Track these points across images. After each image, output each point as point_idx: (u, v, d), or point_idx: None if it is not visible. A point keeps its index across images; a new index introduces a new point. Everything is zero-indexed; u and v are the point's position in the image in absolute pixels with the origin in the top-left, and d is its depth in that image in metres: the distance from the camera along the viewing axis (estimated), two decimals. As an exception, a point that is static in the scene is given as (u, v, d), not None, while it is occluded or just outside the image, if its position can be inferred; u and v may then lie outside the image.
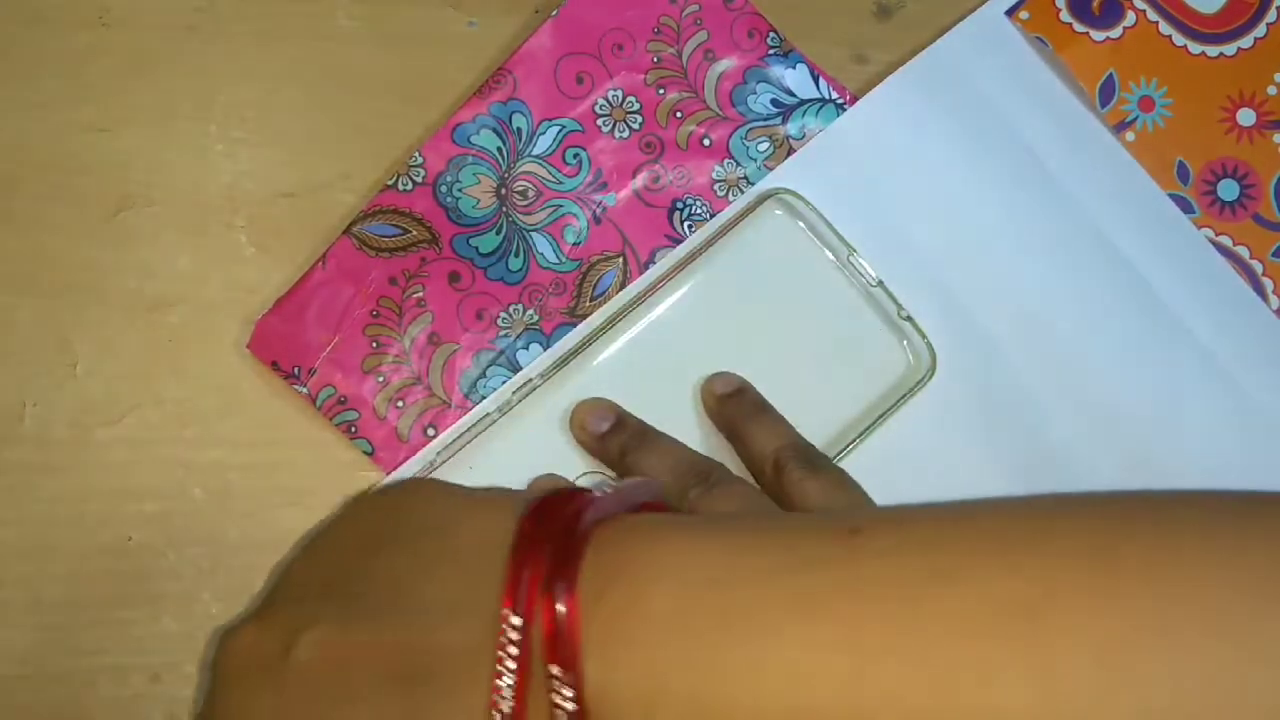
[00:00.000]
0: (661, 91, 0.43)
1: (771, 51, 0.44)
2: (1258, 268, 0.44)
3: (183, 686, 0.39)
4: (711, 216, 0.43)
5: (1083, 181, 0.44)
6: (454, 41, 0.43)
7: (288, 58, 0.42)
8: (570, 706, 0.28)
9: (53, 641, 0.40)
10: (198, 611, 0.40)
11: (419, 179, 0.42)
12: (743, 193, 0.43)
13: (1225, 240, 0.44)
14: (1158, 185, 0.44)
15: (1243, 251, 0.44)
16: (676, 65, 0.43)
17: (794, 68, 0.44)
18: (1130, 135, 0.44)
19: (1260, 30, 0.45)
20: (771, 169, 0.43)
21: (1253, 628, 0.24)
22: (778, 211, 0.42)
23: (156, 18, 0.42)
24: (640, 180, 0.43)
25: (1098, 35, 0.45)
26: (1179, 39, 0.45)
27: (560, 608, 0.28)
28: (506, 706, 0.28)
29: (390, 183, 0.42)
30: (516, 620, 0.28)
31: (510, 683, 0.28)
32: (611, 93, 0.43)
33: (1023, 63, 0.44)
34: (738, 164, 0.43)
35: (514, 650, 0.28)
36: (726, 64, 0.43)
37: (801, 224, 0.42)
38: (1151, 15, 0.45)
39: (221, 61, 0.42)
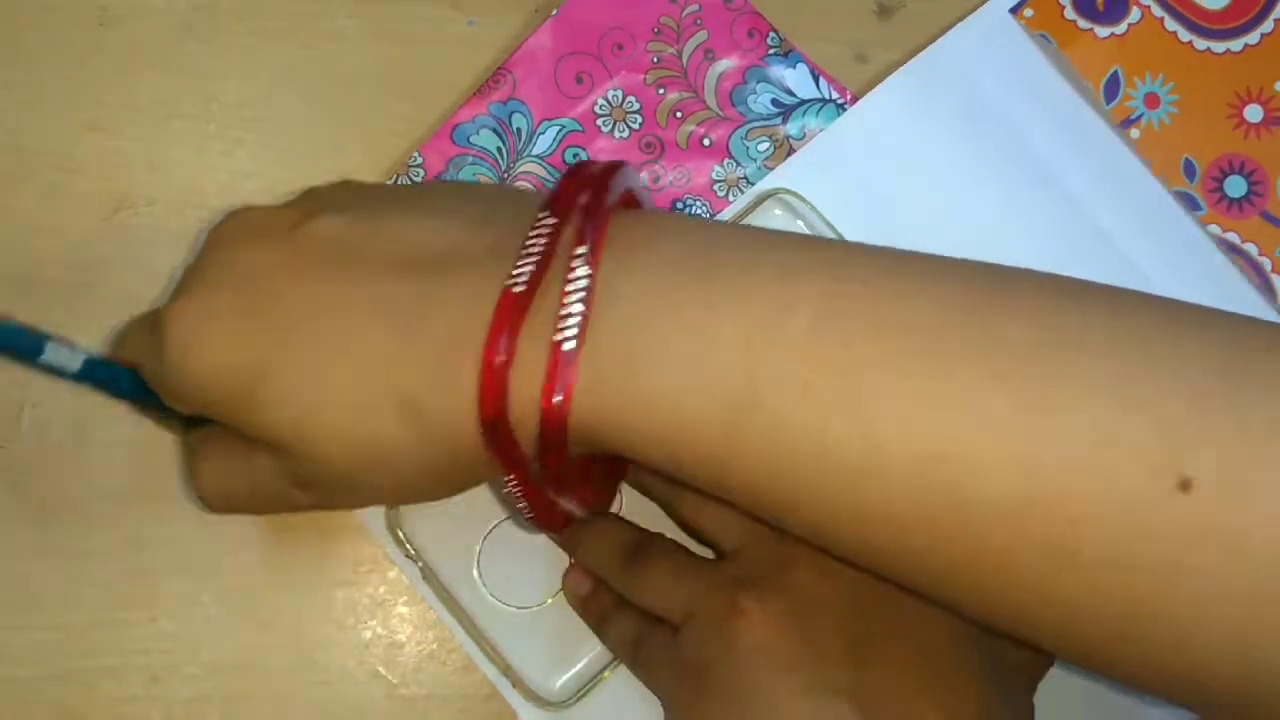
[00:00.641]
0: (661, 91, 0.43)
1: (771, 51, 0.43)
2: (1266, 265, 0.43)
3: (181, 687, 0.39)
4: (712, 216, 0.43)
5: (1085, 181, 0.43)
6: (454, 41, 0.43)
7: (288, 57, 0.42)
8: (585, 280, 0.28)
9: (51, 643, 0.40)
10: (196, 613, 0.40)
11: (419, 179, 0.42)
12: (743, 193, 0.43)
13: (1233, 237, 0.44)
14: (1161, 184, 0.44)
15: (1251, 249, 0.44)
16: (676, 65, 0.43)
17: (794, 67, 0.43)
18: (1135, 132, 0.44)
19: (1267, 26, 0.45)
20: (772, 169, 0.43)
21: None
22: (778, 211, 0.42)
23: (156, 17, 0.42)
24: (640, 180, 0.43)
25: (1102, 31, 0.45)
26: (1185, 35, 0.45)
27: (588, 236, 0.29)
28: (519, 288, 0.28)
29: (390, 182, 0.42)
30: (550, 220, 0.29)
31: (529, 270, 0.28)
32: (611, 93, 0.43)
33: (1025, 61, 0.44)
34: (738, 164, 0.43)
35: (539, 244, 0.29)
36: (726, 64, 0.43)
37: (801, 224, 0.42)
38: (1157, 11, 0.45)
39: (221, 61, 0.42)
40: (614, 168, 0.31)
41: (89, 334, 0.41)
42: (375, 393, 0.30)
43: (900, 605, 0.34)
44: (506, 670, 0.40)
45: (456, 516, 0.40)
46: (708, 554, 0.37)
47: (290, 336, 0.30)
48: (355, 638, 0.40)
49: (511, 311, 0.28)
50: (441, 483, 0.32)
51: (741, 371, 0.28)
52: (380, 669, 0.40)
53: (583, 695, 0.39)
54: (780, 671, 0.33)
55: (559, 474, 0.30)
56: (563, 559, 0.40)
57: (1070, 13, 0.45)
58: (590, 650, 0.40)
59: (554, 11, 0.43)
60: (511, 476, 0.31)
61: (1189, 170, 0.44)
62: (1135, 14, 0.45)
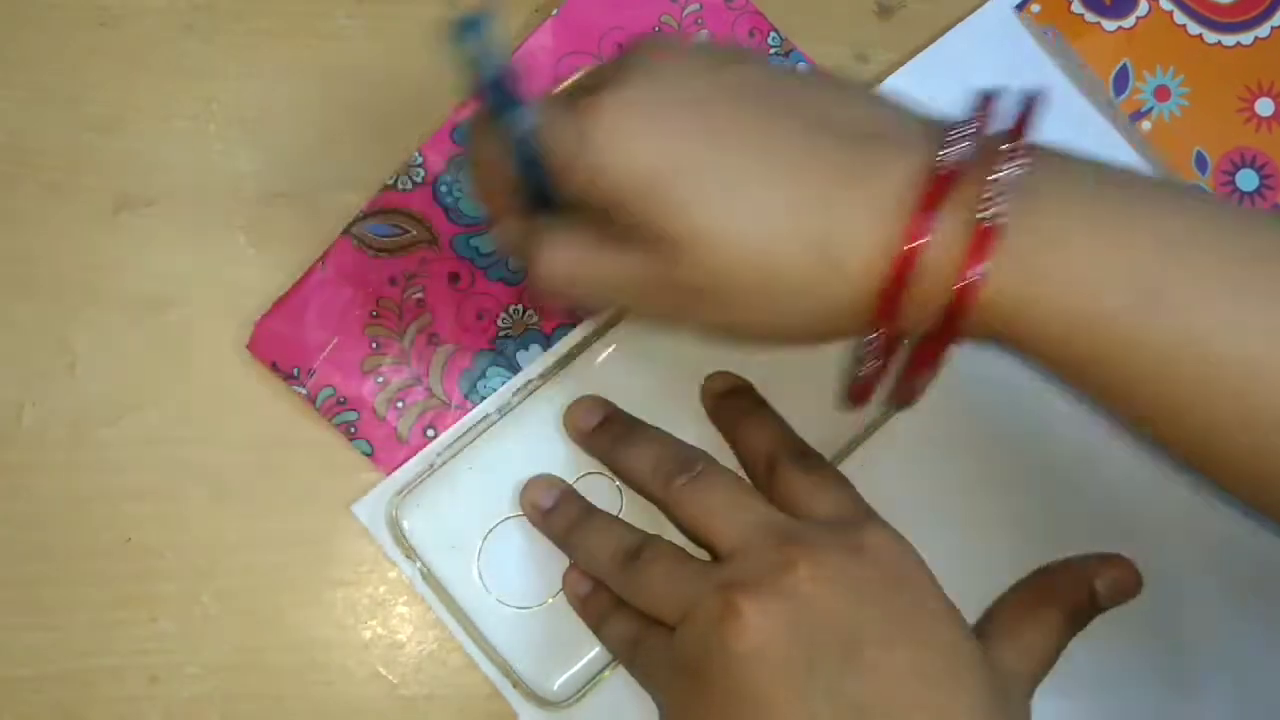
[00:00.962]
0: (662, 88, 0.43)
1: (772, 50, 0.43)
2: (1279, 260, 0.43)
3: (181, 687, 0.39)
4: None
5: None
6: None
7: (288, 57, 0.43)
8: (1013, 170, 0.30)
9: (51, 642, 0.40)
10: (196, 612, 0.40)
11: (419, 179, 0.42)
12: (745, 188, 0.42)
13: (1245, 233, 0.43)
14: (1171, 176, 0.43)
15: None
16: (677, 61, 0.43)
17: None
18: (1146, 125, 0.44)
19: (1277, 19, 0.44)
20: (774, 164, 0.42)
21: None
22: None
23: (156, 17, 0.42)
24: (641, 177, 0.42)
25: (1110, 25, 0.44)
26: (1194, 28, 0.44)
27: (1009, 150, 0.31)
28: (947, 169, 0.30)
29: (390, 182, 0.42)
30: (975, 120, 0.31)
31: (959, 152, 0.30)
32: (612, 89, 0.43)
33: (1026, 57, 0.44)
34: (740, 159, 0.43)
35: (970, 132, 0.31)
36: (728, 59, 0.43)
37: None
38: (1165, 4, 0.44)
39: (221, 61, 0.42)
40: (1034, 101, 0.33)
41: (88, 334, 0.41)
42: (794, 220, 0.31)
43: (897, 611, 0.34)
44: (506, 670, 0.39)
45: (456, 516, 0.40)
46: (705, 556, 0.37)
47: (721, 145, 0.31)
48: (355, 638, 0.40)
49: (942, 187, 0.30)
50: (812, 326, 0.33)
51: (1155, 274, 0.30)
52: (380, 669, 0.40)
53: (582, 695, 0.39)
54: (776, 675, 0.32)
55: (923, 353, 0.32)
56: (563, 559, 0.39)
57: (1077, 6, 0.44)
58: (590, 650, 0.39)
59: (554, 11, 0.43)
60: (878, 337, 0.32)
61: (1200, 163, 0.44)
62: (1143, 7, 0.44)
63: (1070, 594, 0.38)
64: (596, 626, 0.39)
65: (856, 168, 0.31)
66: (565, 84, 0.36)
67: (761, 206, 0.31)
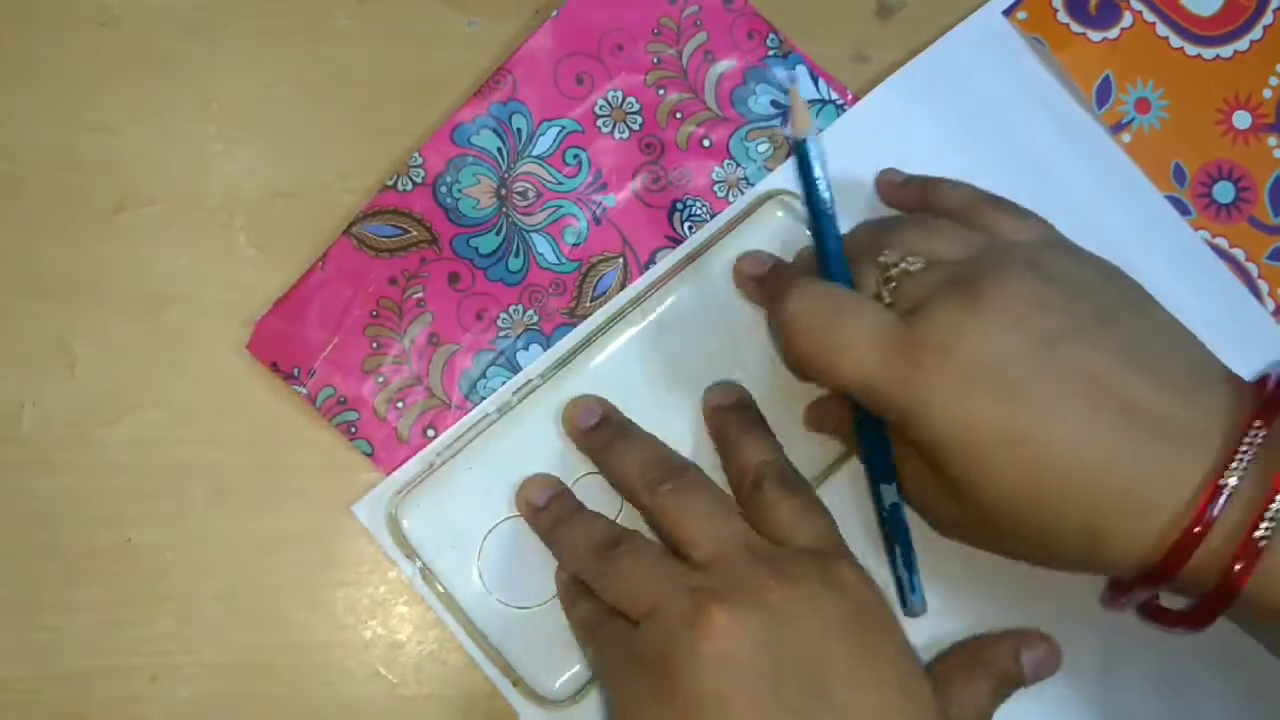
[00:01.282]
0: (661, 92, 0.43)
1: (771, 52, 0.44)
2: (1253, 270, 0.44)
3: (181, 687, 0.39)
4: (712, 217, 0.43)
5: (1080, 182, 0.44)
6: (454, 41, 0.43)
7: (288, 57, 0.42)
8: None
9: (52, 643, 0.39)
10: (196, 612, 0.40)
11: (419, 179, 0.42)
12: (743, 193, 0.43)
13: (1221, 242, 0.44)
14: (1155, 187, 0.44)
15: (1239, 254, 0.44)
16: (676, 66, 0.43)
17: (794, 69, 0.44)
18: (1127, 136, 0.45)
19: (1256, 33, 0.46)
20: (772, 170, 0.43)
21: None
22: (778, 212, 0.42)
23: (156, 17, 0.42)
24: (640, 181, 0.43)
25: (1095, 36, 0.45)
26: (1176, 40, 0.45)
27: None
28: (1229, 486, 0.33)
29: (390, 183, 0.42)
30: (1261, 431, 0.34)
31: (1244, 464, 0.33)
32: (611, 93, 0.43)
33: (1022, 64, 0.44)
34: (738, 165, 0.43)
35: (1249, 451, 0.33)
36: (726, 65, 0.43)
37: (802, 225, 0.42)
38: (1149, 16, 0.45)
39: (221, 61, 0.42)
40: None
41: (88, 334, 0.41)
42: (1076, 487, 0.34)
43: (865, 650, 0.34)
44: (506, 670, 0.40)
45: (456, 516, 0.40)
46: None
47: (1045, 395, 0.34)
48: (355, 638, 0.41)
49: (1215, 499, 0.33)
50: (1060, 565, 0.37)
51: None
52: (380, 669, 0.40)
53: (582, 695, 0.40)
54: (740, 684, 0.33)
55: (1194, 616, 0.36)
56: (563, 558, 0.40)
57: (1063, 16, 0.45)
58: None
59: (554, 12, 0.43)
60: (1122, 599, 0.36)
61: (1178, 175, 0.45)
62: (1127, 18, 0.45)
63: (1000, 663, 0.39)
64: (568, 608, 0.39)
65: (1138, 452, 0.34)
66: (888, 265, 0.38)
67: (1051, 469, 0.34)
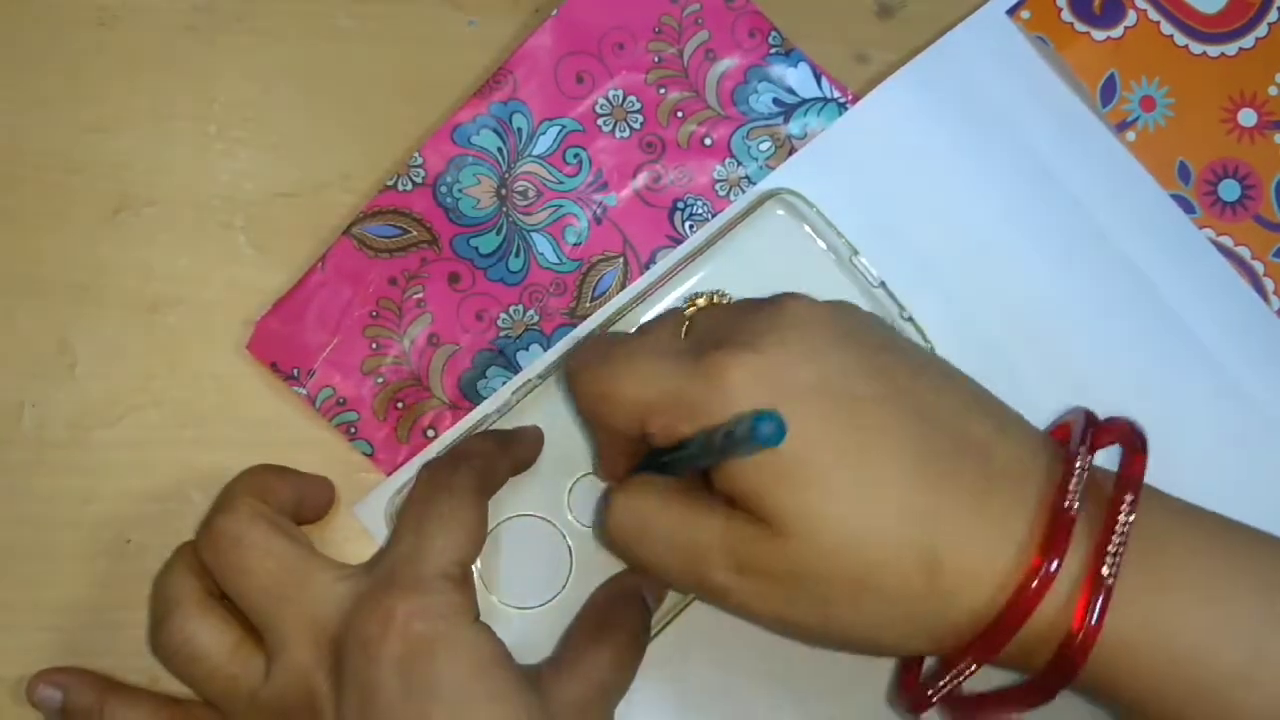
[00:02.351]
0: (662, 91, 0.43)
1: (773, 51, 0.44)
2: (1259, 268, 0.44)
3: (180, 689, 0.39)
4: (713, 216, 0.43)
5: (1084, 181, 0.43)
6: (454, 41, 0.43)
7: (287, 57, 0.42)
8: (1126, 525, 0.32)
9: (52, 643, 0.39)
10: (197, 613, 0.40)
11: (419, 179, 0.42)
12: (744, 192, 0.43)
13: (1226, 241, 0.44)
14: (1159, 185, 0.44)
15: (1244, 252, 0.44)
16: (677, 65, 0.43)
17: (795, 67, 0.43)
18: (1131, 135, 0.44)
19: (1261, 30, 0.45)
20: (773, 169, 0.43)
21: None
22: (779, 211, 0.42)
23: (156, 18, 0.42)
24: (641, 180, 0.43)
25: (1099, 35, 0.45)
26: (1180, 39, 0.45)
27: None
28: (1071, 510, 0.32)
29: (390, 183, 0.42)
30: (1088, 456, 0.33)
31: (1076, 493, 0.32)
32: (612, 92, 0.43)
33: (1024, 62, 0.44)
34: (739, 164, 0.43)
35: (1081, 470, 0.33)
36: (728, 63, 0.43)
37: (803, 224, 0.42)
38: (1153, 15, 0.45)
39: (221, 61, 0.42)
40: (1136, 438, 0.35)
41: (88, 334, 0.41)
42: (911, 528, 0.32)
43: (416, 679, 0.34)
44: (507, 670, 0.40)
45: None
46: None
47: (860, 442, 0.32)
48: (356, 638, 0.41)
49: (1064, 528, 0.32)
50: (891, 635, 0.33)
51: (1251, 642, 0.32)
52: (381, 669, 0.40)
53: (584, 695, 0.40)
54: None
55: (1019, 695, 0.34)
56: (563, 560, 0.40)
57: (1067, 15, 0.45)
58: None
59: (554, 11, 0.43)
60: (974, 664, 0.33)
61: (1184, 174, 0.44)
62: (1131, 17, 0.45)
63: (630, 611, 0.38)
64: None
65: (984, 491, 0.32)
66: (688, 308, 0.37)
67: (881, 506, 0.32)
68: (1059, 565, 0.31)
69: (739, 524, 0.33)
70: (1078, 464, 0.33)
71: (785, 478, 0.32)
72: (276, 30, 0.42)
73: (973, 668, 0.33)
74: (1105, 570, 0.31)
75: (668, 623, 0.40)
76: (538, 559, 0.40)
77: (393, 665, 0.33)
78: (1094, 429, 0.35)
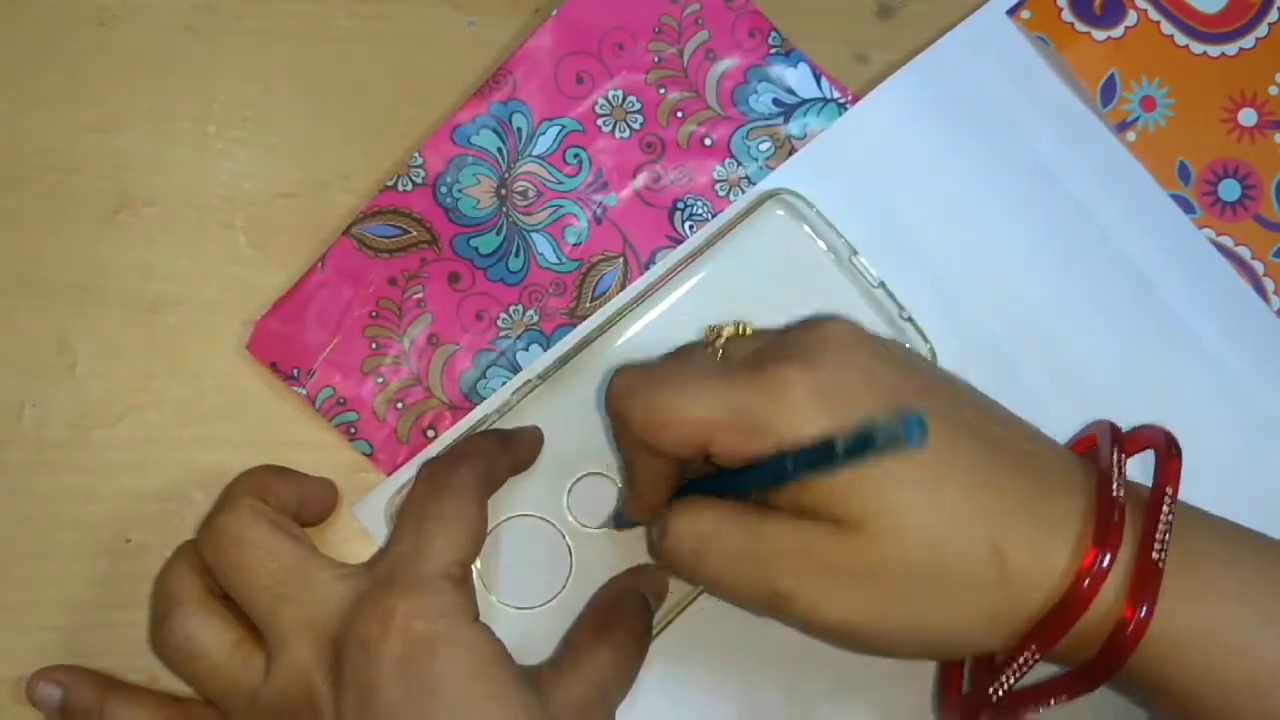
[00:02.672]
0: (662, 91, 0.43)
1: (773, 51, 0.44)
2: (1259, 268, 0.44)
3: (180, 688, 0.39)
4: (713, 217, 0.43)
5: (1084, 181, 0.43)
6: (454, 41, 0.43)
7: (287, 57, 0.42)
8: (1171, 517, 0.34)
9: (52, 643, 0.40)
10: (197, 612, 0.40)
11: (419, 179, 0.42)
12: (744, 193, 0.43)
13: (1226, 241, 0.44)
14: (1159, 185, 0.44)
15: (1244, 252, 0.44)
16: (677, 65, 0.43)
17: (795, 67, 0.43)
18: (1132, 135, 0.44)
19: (1262, 30, 0.45)
20: (773, 169, 0.43)
21: None
22: (779, 212, 0.42)
23: (156, 18, 0.42)
24: (641, 180, 0.43)
25: (1099, 35, 0.45)
26: (1181, 39, 0.45)
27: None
28: (1120, 501, 0.34)
29: (390, 183, 0.42)
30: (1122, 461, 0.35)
31: (1120, 490, 0.34)
32: (612, 92, 0.43)
33: (1024, 62, 0.44)
34: (739, 164, 0.43)
35: (1121, 472, 0.35)
36: (728, 63, 0.43)
37: (803, 224, 0.42)
38: (1153, 15, 0.45)
39: (221, 61, 0.42)
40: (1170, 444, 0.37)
41: (88, 334, 0.41)
42: (978, 523, 0.34)
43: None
44: (507, 670, 0.40)
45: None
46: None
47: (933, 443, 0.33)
48: (356, 638, 0.41)
49: (1118, 527, 0.33)
50: (956, 631, 0.34)
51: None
52: (381, 669, 0.40)
53: (583, 695, 0.40)
54: None
55: (1070, 683, 0.35)
56: (563, 560, 0.40)
57: (1068, 15, 0.45)
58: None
59: (554, 11, 0.43)
60: (1037, 655, 0.34)
61: (1184, 174, 0.44)
62: (1132, 17, 0.45)
63: (632, 610, 0.39)
64: None
65: (1035, 494, 0.34)
66: (714, 338, 0.38)
67: (951, 502, 0.34)
68: (1113, 557, 0.33)
69: (810, 528, 0.34)
70: (1115, 462, 0.35)
71: (863, 480, 0.33)
72: (276, 30, 0.42)
73: (1036, 658, 0.34)
74: (1155, 554, 0.33)
75: (669, 623, 0.40)
76: (538, 559, 0.40)
77: (393, 665, 0.33)
78: (1121, 438, 0.37)
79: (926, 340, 0.41)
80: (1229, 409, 0.42)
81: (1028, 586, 0.33)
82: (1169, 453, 0.36)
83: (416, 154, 0.42)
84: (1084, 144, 0.44)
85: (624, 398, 0.36)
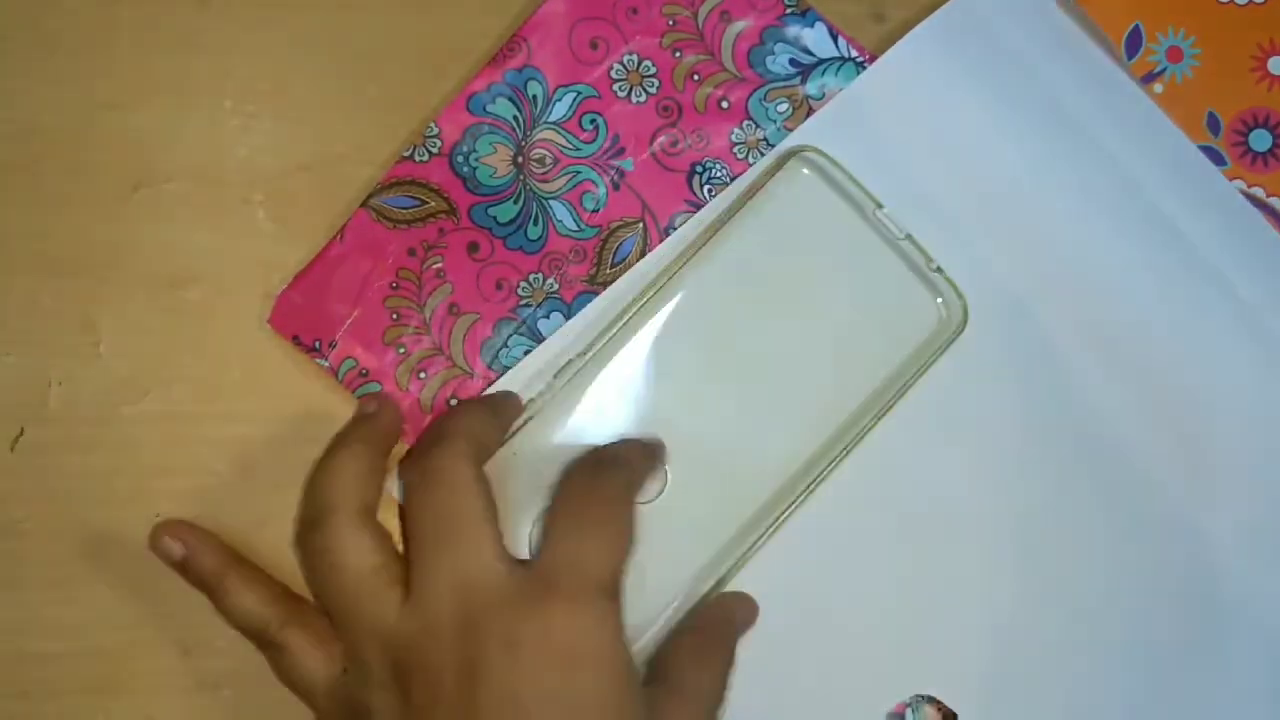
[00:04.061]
0: (678, 54, 0.43)
1: (788, 11, 0.43)
2: (1291, 218, 0.43)
3: (211, 659, 0.40)
4: (731, 179, 0.42)
5: (1110, 133, 0.43)
6: (468, 9, 0.43)
7: (301, 29, 0.42)
8: None
9: (83, 618, 0.40)
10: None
11: (435, 149, 0.42)
12: (763, 154, 0.42)
13: (1258, 192, 0.43)
14: (1187, 136, 0.43)
15: (1276, 203, 0.43)
16: (692, 27, 0.43)
17: (812, 26, 0.43)
18: (1158, 87, 0.44)
19: (1291, -25, 0.44)
20: (791, 130, 0.42)
21: None
22: (804, 170, 0.41)
23: (169, -7, 0.42)
24: (658, 144, 0.42)
25: (1122, -15, 0.44)
26: (1207, -14, 0.44)
27: None
28: None
29: (406, 154, 0.42)
30: None
31: None
32: (627, 57, 0.43)
33: (1045, 14, 0.43)
34: (757, 125, 0.43)
35: None
36: (743, 24, 0.43)
37: (827, 181, 0.41)
38: (1178, -37, 0.44)
39: (235, 35, 0.42)
40: None
41: (111, 312, 0.41)
42: None
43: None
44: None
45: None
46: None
47: None
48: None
49: None
50: None
51: None
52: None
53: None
54: None
55: None
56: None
57: (1090, -34, 0.44)
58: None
59: (567, -23, 0.43)
60: None
61: (1213, 124, 0.44)
62: (1156, -34, 0.44)
63: (729, 633, 0.39)
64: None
65: None
66: None
67: None
68: None
69: None
70: None
71: None
72: (290, 3, 0.42)
73: None
74: None
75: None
76: None
77: (535, 675, 0.33)
78: None
79: (956, 289, 0.41)
80: (1261, 358, 0.42)
81: None
82: None
83: (432, 124, 0.42)
84: (1109, 96, 0.43)
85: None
